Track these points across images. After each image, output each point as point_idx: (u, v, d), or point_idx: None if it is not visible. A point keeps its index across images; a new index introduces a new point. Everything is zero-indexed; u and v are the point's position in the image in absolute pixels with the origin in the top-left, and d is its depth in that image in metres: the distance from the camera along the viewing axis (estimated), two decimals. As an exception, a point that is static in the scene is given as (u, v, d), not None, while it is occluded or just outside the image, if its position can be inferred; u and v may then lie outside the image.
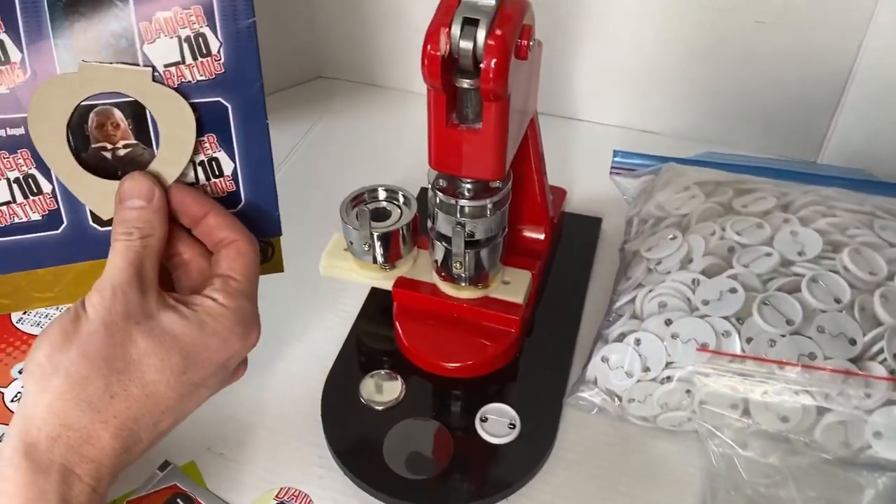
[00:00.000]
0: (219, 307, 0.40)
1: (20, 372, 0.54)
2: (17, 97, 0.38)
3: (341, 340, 0.56)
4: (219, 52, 0.40)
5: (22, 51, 0.38)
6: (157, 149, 0.41)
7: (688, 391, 0.47)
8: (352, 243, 0.54)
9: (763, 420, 0.45)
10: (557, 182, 0.66)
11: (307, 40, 0.83)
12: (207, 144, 0.42)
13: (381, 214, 0.55)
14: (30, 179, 0.40)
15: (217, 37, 0.39)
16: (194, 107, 0.40)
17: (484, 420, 0.50)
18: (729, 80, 0.70)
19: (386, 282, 0.55)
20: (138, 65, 0.39)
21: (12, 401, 0.52)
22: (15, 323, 0.58)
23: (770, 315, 0.46)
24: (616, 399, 0.49)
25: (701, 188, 0.57)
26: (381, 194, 0.56)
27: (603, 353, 0.49)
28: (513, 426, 0.49)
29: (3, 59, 0.37)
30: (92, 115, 0.39)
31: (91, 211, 0.42)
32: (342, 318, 0.58)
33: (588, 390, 0.49)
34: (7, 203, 0.41)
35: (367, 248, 0.53)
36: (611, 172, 0.66)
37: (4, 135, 0.39)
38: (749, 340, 0.46)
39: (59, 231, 0.42)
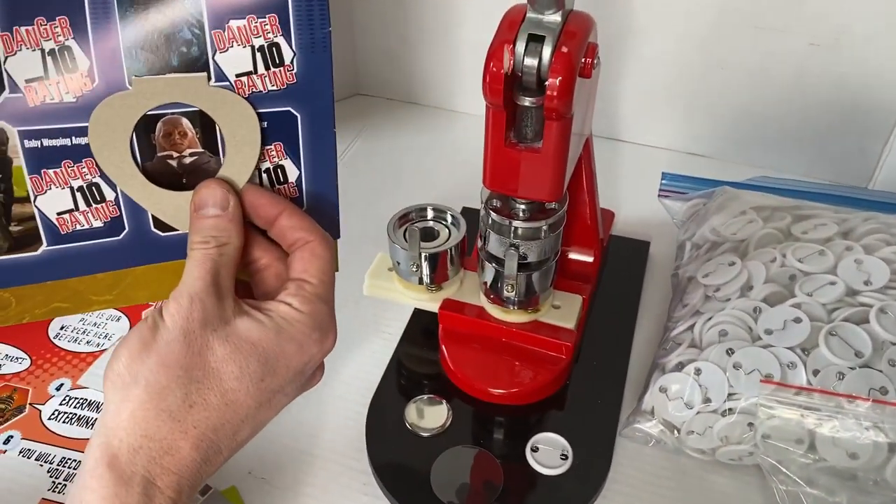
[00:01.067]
0: (294, 312, 0.39)
1: (58, 389, 0.53)
2: (84, 106, 0.38)
3: (384, 363, 0.54)
4: (292, 62, 0.39)
5: (91, 59, 0.37)
6: (223, 155, 0.40)
7: (750, 424, 0.45)
8: (398, 263, 0.53)
9: (830, 456, 0.43)
10: (604, 203, 0.64)
11: (346, 58, 0.82)
12: (275, 152, 0.41)
13: (428, 234, 0.53)
14: (93, 188, 0.40)
15: (291, 47, 0.38)
16: (262, 116, 0.40)
17: (535, 450, 0.48)
18: (779, 103, 0.69)
19: (432, 303, 0.54)
20: (210, 76, 0.38)
21: (49, 419, 0.51)
22: (52, 339, 0.57)
23: (838, 346, 0.45)
24: (674, 431, 0.47)
25: (758, 213, 0.55)
26: (429, 213, 0.55)
27: (661, 383, 0.47)
28: (565, 457, 0.47)
29: (70, 66, 0.37)
30: (159, 124, 0.39)
31: (153, 216, 0.41)
32: (385, 339, 0.57)
33: (645, 421, 0.47)
34: (70, 211, 0.40)
35: (414, 269, 0.52)
36: (659, 195, 0.65)
37: (70, 144, 0.38)
38: (816, 373, 0.44)
39: (120, 237, 0.41)
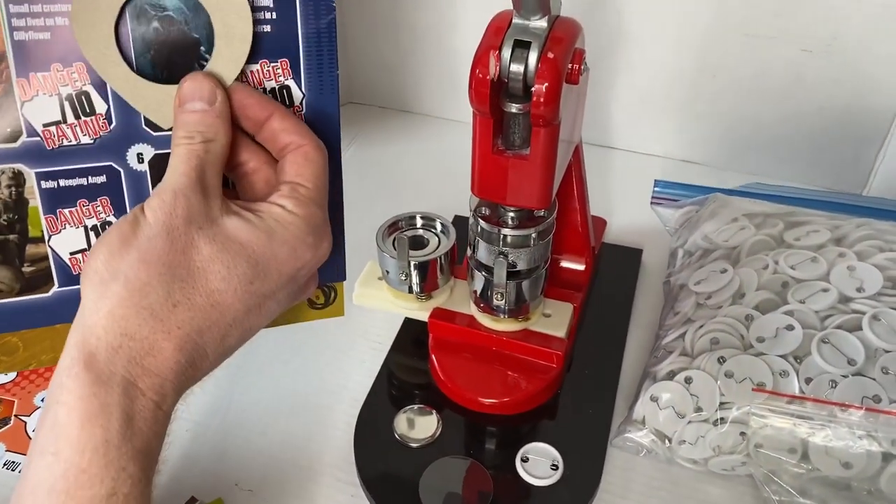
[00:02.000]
0: (288, 214, 0.37)
1: (42, 400, 0.52)
2: (101, 147, 0.38)
3: (374, 373, 0.54)
4: (301, 104, 0.40)
5: (108, 102, 0.38)
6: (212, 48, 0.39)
7: (742, 433, 0.44)
8: (388, 272, 0.52)
9: (823, 466, 0.43)
10: (596, 211, 0.64)
11: (339, 67, 0.82)
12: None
13: (418, 243, 0.53)
14: (107, 226, 0.40)
15: (301, 89, 0.40)
16: None
17: (525, 460, 0.47)
18: (772, 109, 0.69)
19: (422, 312, 0.53)
20: None
21: (34, 430, 0.50)
22: (39, 349, 0.56)
23: (830, 354, 0.44)
24: (665, 440, 0.46)
25: (750, 220, 0.55)
26: (419, 222, 0.54)
27: (652, 392, 0.46)
28: (555, 467, 0.47)
29: (88, 110, 0.37)
30: None
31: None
32: (375, 349, 0.56)
33: (636, 431, 0.47)
34: (83, 251, 0.40)
35: (403, 278, 0.51)
36: (651, 202, 0.64)
37: (86, 183, 0.39)
38: (808, 381, 0.44)
39: None
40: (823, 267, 0.49)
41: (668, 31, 0.68)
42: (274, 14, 0.38)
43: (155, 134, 0.39)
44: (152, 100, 0.38)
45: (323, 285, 0.45)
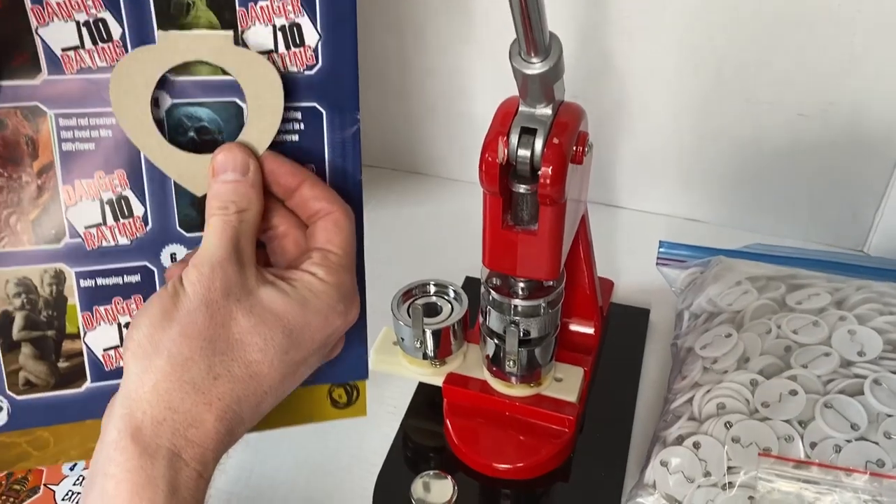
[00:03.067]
0: (319, 283, 0.38)
1: (71, 469, 0.54)
2: (138, 248, 0.40)
3: (390, 438, 0.55)
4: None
5: (145, 206, 0.40)
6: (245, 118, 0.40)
7: (751, 497, 0.45)
8: (403, 339, 0.54)
9: (831, 529, 0.44)
10: (602, 271, 0.65)
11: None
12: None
13: (431, 310, 0.55)
14: None
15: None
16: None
17: (539, 525, 0.49)
18: (772, 170, 0.71)
19: (436, 377, 0.55)
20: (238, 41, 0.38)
21: (63, 499, 0.52)
22: (66, 417, 0.58)
23: (834, 419, 0.45)
24: (676, 504, 0.47)
25: (752, 283, 0.56)
26: (432, 289, 0.56)
27: (661, 457, 0.48)
28: (569, 531, 0.48)
29: (127, 213, 0.39)
30: None
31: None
32: (391, 413, 0.58)
33: (647, 495, 0.48)
34: (115, 347, 0.42)
35: (418, 345, 0.53)
36: (657, 263, 0.66)
37: (121, 282, 0.41)
38: (813, 445, 0.45)
39: None
40: (825, 331, 0.50)
41: (668, 97, 0.70)
42: (302, 125, 0.40)
43: (188, 235, 0.41)
44: (186, 169, 0.39)
45: (345, 384, 0.46)
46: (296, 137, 0.40)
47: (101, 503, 0.34)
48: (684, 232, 0.74)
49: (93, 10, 0.36)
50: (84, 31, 0.36)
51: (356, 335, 0.45)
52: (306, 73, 0.39)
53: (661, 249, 0.66)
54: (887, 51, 0.61)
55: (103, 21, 0.36)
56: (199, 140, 0.39)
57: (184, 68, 0.38)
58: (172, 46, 0.37)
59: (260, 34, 0.38)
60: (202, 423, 0.35)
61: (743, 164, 0.72)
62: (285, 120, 0.40)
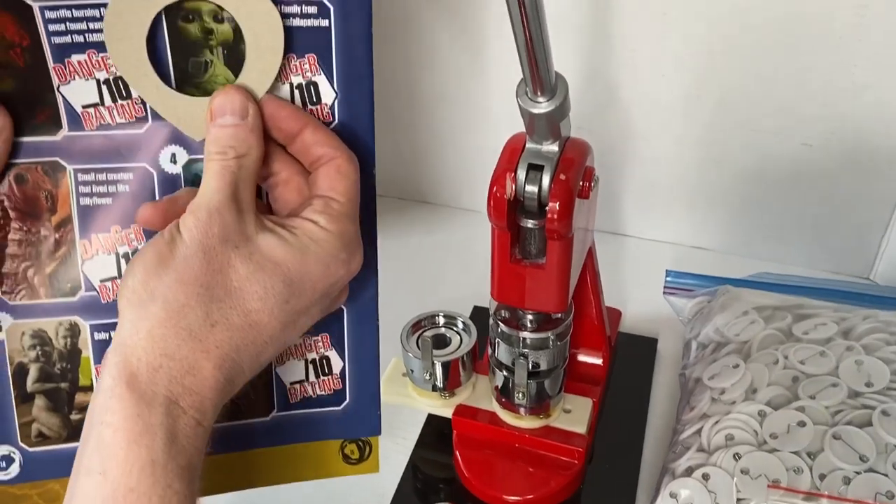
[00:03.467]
0: (321, 231, 0.37)
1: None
2: None
3: (400, 469, 0.56)
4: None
5: None
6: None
7: (761, 530, 0.45)
8: (412, 371, 0.55)
9: (842, 562, 0.44)
10: (610, 300, 0.66)
11: (359, 160, 0.86)
12: (321, 344, 0.44)
13: (440, 341, 0.55)
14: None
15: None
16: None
17: (550, 557, 0.49)
18: (777, 198, 0.71)
19: (446, 409, 0.55)
20: None
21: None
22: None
23: (842, 450, 0.46)
24: (686, 537, 0.47)
25: (759, 313, 0.57)
26: (441, 320, 0.57)
27: (671, 489, 0.48)
28: (580, 564, 0.48)
29: None
30: None
31: None
32: (400, 445, 0.58)
33: (657, 527, 0.48)
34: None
35: (427, 377, 0.54)
36: (664, 292, 0.66)
37: None
38: (822, 477, 0.45)
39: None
40: (832, 361, 0.50)
41: (673, 126, 0.71)
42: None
43: None
44: (184, 112, 0.38)
45: (357, 440, 0.46)
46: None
47: (98, 452, 0.33)
48: (691, 260, 0.74)
49: (113, 69, 0.37)
50: (104, 88, 0.37)
51: (369, 391, 0.45)
52: None
53: (668, 278, 0.67)
54: (889, 80, 0.62)
55: (122, 79, 0.37)
56: None
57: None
58: None
59: (277, 92, 0.39)
60: (199, 371, 0.34)
61: (748, 192, 0.72)
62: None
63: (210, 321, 0.34)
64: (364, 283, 0.42)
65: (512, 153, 0.44)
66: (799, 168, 0.69)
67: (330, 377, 0.44)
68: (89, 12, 0.36)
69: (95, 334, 0.40)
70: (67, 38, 0.36)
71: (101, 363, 0.36)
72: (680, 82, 0.68)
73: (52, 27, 0.36)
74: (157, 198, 0.39)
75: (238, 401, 0.42)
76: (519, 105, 0.42)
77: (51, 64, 0.36)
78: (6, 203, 0.38)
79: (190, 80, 0.38)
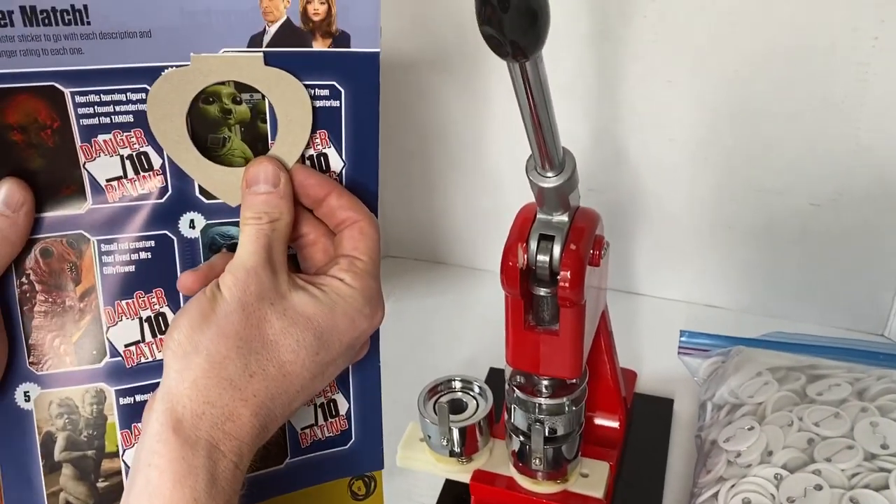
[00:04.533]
0: (347, 288, 0.40)
1: None
2: None
3: (419, 535, 0.56)
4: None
5: None
6: (275, 134, 0.41)
7: None
8: (429, 437, 0.55)
9: None
10: (625, 360, 0.67)
11: (375, 224, 0.88)
12: (328, 388, 0.45)
13: (457, 406, 0.56)
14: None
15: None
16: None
17: None
18: (787, 257, 0.72)
19: (463, 475, 0.56)
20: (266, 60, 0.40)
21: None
22: None
23: (860, 514, 0.46)
24: None
25: (773, 374, 0.57)
26: (457, 385, 0.58)
27: (690, 555, 0.48)
28: None
29: (164, 328, 0.41)
30: None
31: None
32: (419, 509, 0.58)
33: None
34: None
35: (445, 443, 0.54)
36: (679, 352, 0.67)
37: None
38: (841, 542, 0.45)
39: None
40: (847, 423, 0.51)
41: (681, 187, 0.73)
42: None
43: None
44: (221, 182, 0.41)
45: (363, 476, 0.47)
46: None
47: (147, 492, 0.35)
48: (705, 318, 0.75)
49: (136, 145, 0.39)
50: (127, 163, 0.39)
51: (371, 428, 0.46)
52: None
53: (683, 338, 0.67)
54: (892, 141, 0.63)
55: (145, 154, 0.39)
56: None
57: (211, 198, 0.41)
58: (205, 67, 0.39)
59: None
60: (239, 418, 0.37)
61: (758, 251, 0.73)
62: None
63: (249, 372, 0.37)
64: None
65: (523, 224, 0.46)
66: (808, 227, 0.70)
67: (337, 419, 0.45)
68: (116, 96, 0.38)
69: (121, 399, 0.41)
70: (95, 121, 0.38)
71: (146, 409, 0.38)
72: (687, 145, 0.70)
73: (80, 111, 0.38)
74: (178, 262, 0.41)
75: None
76: (529, 179, 0.44)
77: (78, 143, 0.38)
78: (32, 277, 0.39)
79: (209, 154, 0.40)
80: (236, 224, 0.41)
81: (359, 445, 0.46)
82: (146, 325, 0.41)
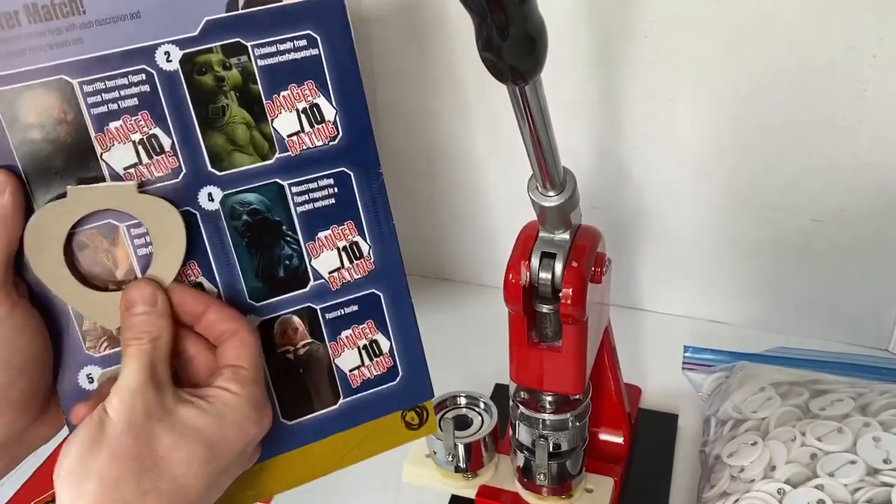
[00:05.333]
0: (233, 397, 0.41)
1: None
2: None
3: (425, 550, 0.56)
4: (369, 253, 0.46)
5: (216, 286, 0.44)
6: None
7: None
8: (435, 453, 0.56)
9: None
10: (629, 376, 0.67)
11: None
12: (368, 330, 0.47)
13: (462, 422, 0.57)
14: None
15: (366, 241, 0.45)
16: (353, 300, 0.45)
17: None
18: (789, 273, 0.73)
19: (469, 490, 0.56)
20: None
21: None
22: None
23: (863, 529, 0.46)
24: None
25: (776, 389, 0.57)
26: (462, 401, 0.58)
27: (693, 570, 0.48)
28: None
29: None
30: (276, 324, 0.45)
31: None
32: (425, 525, 0.59)
33: None
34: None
35: (450, 459, 0.55)
36: (683, 368, 0.67)
37: None
38: (845, 556, 0.45)
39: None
40: (850, 438, 0.51)
41: (685, 203, 0.73)
42: (336, 189, 0.44)
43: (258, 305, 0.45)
44: (101, 306, 0.42)
45: (415, 407, 0.49)
46: (332, 201, 0.44)
47: None
48: (708, 333, 0.75)
49: (145, 129, 0.41)
50: (140, 148, 0.41)
51: (416, 362, 0.48)
52: (331, 143, 0.44)
53: (687, 354, 0.68)
54: (891, 158, 0.64)
55: (155, 136, 0.41)
56: (252, 221, 0.43)
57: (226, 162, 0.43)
58: (80, 199, 0.41)
59: (287, 120, 0.43)
60: None
61: (761, 267, 0.74)
62: (322, 188, 0.44)
63: (142, 490, 0.38)
64: (393, 270, 0.46)
65: (525, 242, 0.47)
66: (811, 243, 0.70)
67: (381, 357, 0.47)
68: (119, 81, 0.40)
69: None
70: (104, 108, 0.40)
71: None
72: (689, 163, 0.71)
73: (90, 100, 0.40)
74: (204, 235, 0.43)
75: (309, 395, 0.46)
76: (531, 198, 0.44)
77: (93, 134, 0.40)
78: (75, 273, 0.41)
79: (213, 126, 0.42)
80: (252, 191, 0.43)
81: (406, 380, 0.47)
82: None
